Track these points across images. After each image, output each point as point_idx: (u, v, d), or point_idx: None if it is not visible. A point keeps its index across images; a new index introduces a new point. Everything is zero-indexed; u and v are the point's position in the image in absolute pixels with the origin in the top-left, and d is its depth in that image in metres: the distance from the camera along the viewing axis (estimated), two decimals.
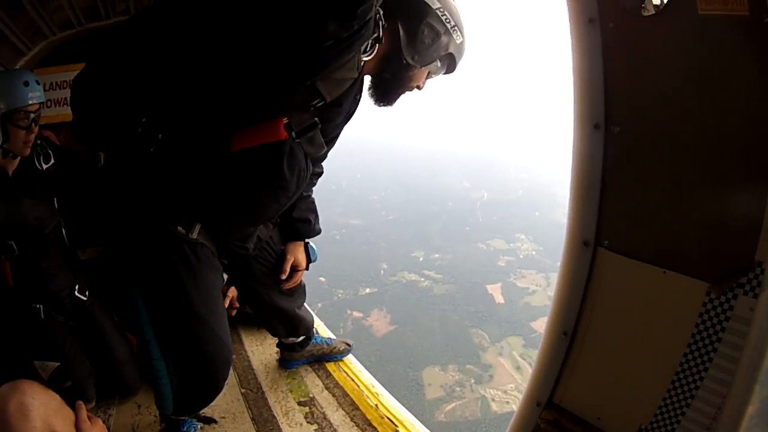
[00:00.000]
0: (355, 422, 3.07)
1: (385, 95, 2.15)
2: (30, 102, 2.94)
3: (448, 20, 2.06)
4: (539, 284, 54.42)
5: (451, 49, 2.11)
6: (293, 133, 1.88)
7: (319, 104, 1.89)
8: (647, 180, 1.65)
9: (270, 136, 1.82)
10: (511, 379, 42.46)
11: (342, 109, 2.12)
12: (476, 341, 46.88)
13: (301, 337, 3.32)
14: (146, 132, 1.78)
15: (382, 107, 2.19)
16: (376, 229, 68.59)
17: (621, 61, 1.65)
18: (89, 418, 1.67)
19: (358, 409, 3.17)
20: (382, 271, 59.65)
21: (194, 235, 2.02)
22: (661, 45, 1.52)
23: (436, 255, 61.91)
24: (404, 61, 2.04)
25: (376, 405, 3.16)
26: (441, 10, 2.04)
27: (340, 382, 3.41)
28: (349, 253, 61.05)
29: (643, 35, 1.56)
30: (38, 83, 3.02)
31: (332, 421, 3.09)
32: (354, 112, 2.32)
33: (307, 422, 3.09)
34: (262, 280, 2.73)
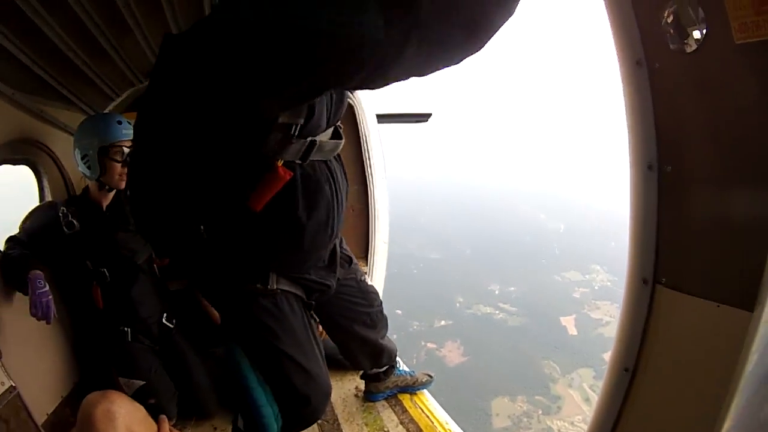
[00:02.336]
0: None
1: None
2: (123, 138, 3.21)
3: None
4: (613, 315, 52.62)
5: None
6: (298, 162, 1.90)
7: (298, 128, 1.82)
8: (700, 217, 1.64)
9: (277, 184, 1.84)
10: (579, 410, 41.35)
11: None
12: (547, 372, 45.90)
13: (385, 367, 3.34)
14: (192, 227, 1.95)
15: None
16: (454, 262, 68.20)
17: (669, 100, 1.66)
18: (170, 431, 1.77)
19: None
20: (457, 304, 59.41)
21: (273, 286, 2.10)
22: (705, 80, 1.52)
23: (512, 288, 60.98)
24: None
25: None
26: None
27: (415, 418, 3.42)
28: (426, 287, 60.94)
29: (688, 72, 1.56)
30: (129, 124, 3.26)
31: None
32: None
33: None
34: (345, 313, 2.78)
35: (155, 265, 3.67)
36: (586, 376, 44.24)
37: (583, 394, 42.78)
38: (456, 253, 71.97)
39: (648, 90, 1.68)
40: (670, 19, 1.54)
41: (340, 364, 3.80)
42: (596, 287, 57.34)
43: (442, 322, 56.02)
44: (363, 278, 2.93)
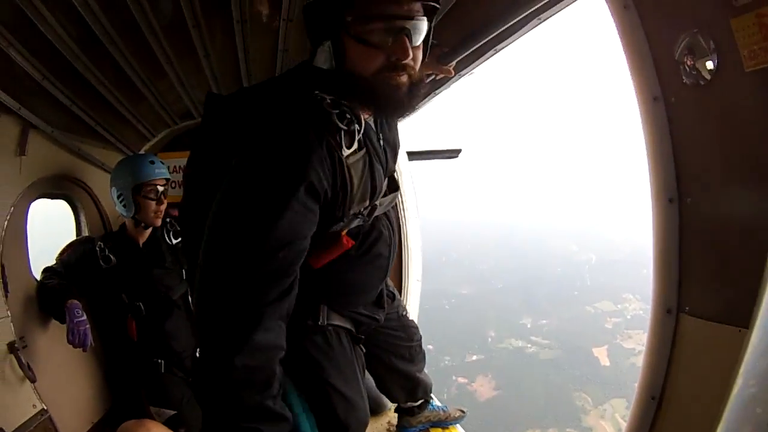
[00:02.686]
0: None
1: (384, 109, 1.80)
2: (156, 176, 3.31)
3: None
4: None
5: (340, 9, 1.62)
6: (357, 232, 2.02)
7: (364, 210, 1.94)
8: (720, 246, 1.65)
9: (339, 251, 1.93)
10: None
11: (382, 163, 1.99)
12: (578, 404, 45.00)
13: (420, 401, 3.31)
14: None
15: (408, 114, 1.86)
16: (485, 297, 67.48)
17: (687, 133, 1.68)
18: None
19: None
20: (489, 339, 58.49)
21: (324, 322, 2.16)
22: (720, 110, 1.54)
23: (544, 321, 60.06)
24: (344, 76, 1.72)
25: None
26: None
27: None
28: (458, 321, 60.28)
29: (703, 104, 1.58)
30: (162, 163, 3.38)
31: None
32: (394, 141, 2.15)
33: None
34: (385, 346, 2.80)
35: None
36: (618, 406, 43.29)
37: (615, 424, 41.88)
38: (488, 287, 71.19)
39: (666, 125, 1.71)
40: (683, 53, 1.57)
41: (373, 401, 3.80)
42: (628, 316, 56.09)
43: (474, 357, 55.26)
44: (405, 313, 2.98)
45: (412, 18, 1.59)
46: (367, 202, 1.94)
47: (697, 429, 1.75)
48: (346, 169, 1.73)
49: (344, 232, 1.93)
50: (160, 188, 3.38)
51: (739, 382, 1.25)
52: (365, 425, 2.43)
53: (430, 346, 53.54)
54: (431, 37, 1.76)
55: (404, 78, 1.66)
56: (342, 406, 2.24)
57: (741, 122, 1.49)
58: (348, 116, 1.71)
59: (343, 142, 1.71)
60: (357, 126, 1.75)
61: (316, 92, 1.69)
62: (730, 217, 1.61)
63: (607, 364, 49.67)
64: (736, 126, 1.51)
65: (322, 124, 1.65)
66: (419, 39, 1.67)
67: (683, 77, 1.57)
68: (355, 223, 1.94)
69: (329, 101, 1.69)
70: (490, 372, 51.60)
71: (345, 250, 1.95)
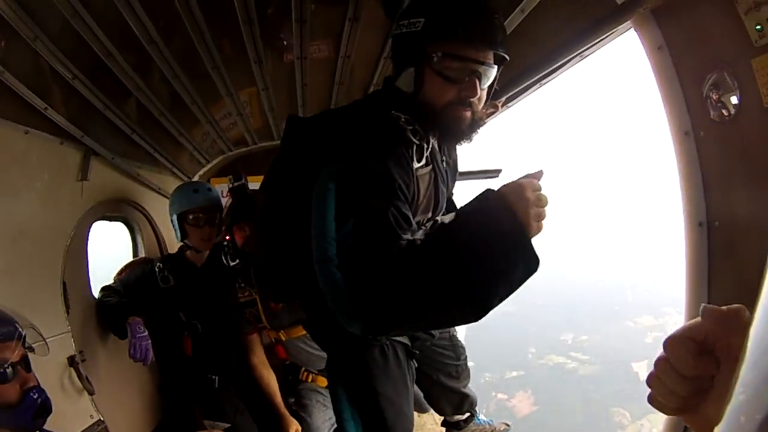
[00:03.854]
0: None
1: (450, 136, 2.00)
2: (197, 204, 3.42)
3: (402, 26, 1.87)
4: None
5: (422, 40, 1.80)
6: None
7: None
8: (746, 264, 1.72)
9: None
10: None
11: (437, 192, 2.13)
12: (616, 420, 43.86)
13: (466, 414, 3.36)
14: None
15: (465, 142, 2.04)
16: (527, 314, 66.09)
17: (714, 163, 1.78)
18: None
19: None
20: (530, 355, 57.40)
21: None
22: (743, 143, 1.63)
23: (584, 337, 58.64)
24: (418, 104, 1.89)
25: None
26: (395, 25, 1.93)
27: None
28: (499, 339, 58.70)
29: (727, 137, 1.68)
30: (209, 190, 3.51)
31: None
32: (455, 164, 2.40)
33: None
34: (434, 364, 2.90)
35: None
36: (656, 421, 41.83)
37: None
38: (529, 305, 70.07)
39: (696, 156, 1.81)
40: (710, 90, 1.66)
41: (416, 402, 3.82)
42: (669, 330, 54.18)
43: (514, 373, 54.09)
44: (455, 333, 3.11)
45: (484, 63, 1.80)
46: (430, 214, 2.13)
47: None
48: (415, 178, 1.91)
49: None
50: (204, 215, 3.49)
51: (733, 390, 1.30)
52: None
53: (471, 363, 52.20)
54: (496, 82, 1.94)
55: (468, 113, 1.88)
56: (391, 412, 2.30)
57: (763, 153, 1.57)
58: (420, 134, 1.91)
59: (414, 156, 1.91)
60: (426, 144, 1.95)
61: (393, 112, 1.88)
62: (756, 239, 1.67)
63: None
64: (758, 157, 1.58)
65: (399, 138, 1.85)
66: (487, 83, 1.88)
67: (711, 112, 1.67)
68: (419, 234, 1.99)
69: (404, 120, 1.87)
70: (530, 388, 50.49)
71: None
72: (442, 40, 1.78)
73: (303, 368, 3.61)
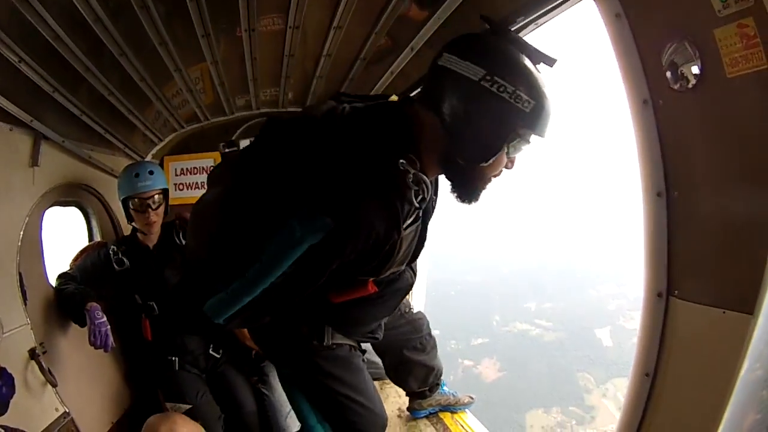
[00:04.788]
0: None
1: (464, 196, 1.84)
2: (139, 191, 3.35)
3: (502, 87, 1.55)
4: None
5: (521, 122, 1.61)
6: (384, 280, 2.07)
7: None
8: (705, 235, 1.77)
9: (363, 293, 2.00)
10: (613, 419, 40.21)
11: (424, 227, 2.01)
12: (581, 384, 45.19)
13: (431, 385, 3.44)
14: None
15: (468, 204, 1.86)
16: (492, 283, 67.03)
17: (673, 133, 1.80)
18: None
19: None
20: (494, 323, 58.45)
21: (329, 342, 2.22)
22: (704, 113, 1.66)
23: (548, 304, 59.84)
24: (461, 163, 1.74)
25: None
26: (488, 77, 1.55)
27: None
28: (464, 307, 60.03)
29: (688, 107, 1.70)
30: (151, 173, 3.42)
31: None
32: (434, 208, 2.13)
33: None
34: (395, 343, 2.97)
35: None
36: (621, 385, 43.38)
37: (617, 403, 41.99)
38: (494, 274, 70.83)
39: (654, 125, 1.83)
40: (669, 59, 1.68)
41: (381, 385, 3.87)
42: (631, 297, 55.95)
43: (479, 340, 55.27)
44: (408, 309, 3.12)
45: None
46: (404, 265, 2.08)
47: (689, 402, 1.87)
48: (399, 242, 1.79)
49: (372, 280, 1.99)
50: (148, 201, 3.42)
51: (745, 365, 1.36)
52: (383, 428, 2.53)
53: (436, 331, 52.56)
54: None
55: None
56: (357, 414, 2.35)
57: (724, 124, 1.60)
58: (421, 195, 1.72)
59: (408, 217, 1.76)
60: (424, 200, 1.75)
61: (402, 161, 1.65)
62: (713, 209, 1.72)
63: (610, 345, 49.71)
64: (719, 128, 1.62)
65: (401, 200, 1.67)
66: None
67: (670, 82, 1.68)
68: (386, 274, 2.00)
69: (412, 177, 1.67)
70: (495, 354, 51.63)
71: (366, 295, 2.02)
72: (534, 128, 1.63)
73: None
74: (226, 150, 3.50)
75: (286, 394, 2.60)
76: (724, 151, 1.63)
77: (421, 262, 2.38)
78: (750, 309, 1.50)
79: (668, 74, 1.68)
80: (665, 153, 1.83)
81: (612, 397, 43.05)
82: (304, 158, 1.74)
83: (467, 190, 1.82)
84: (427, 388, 3.42)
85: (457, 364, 50.82)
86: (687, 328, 1.87)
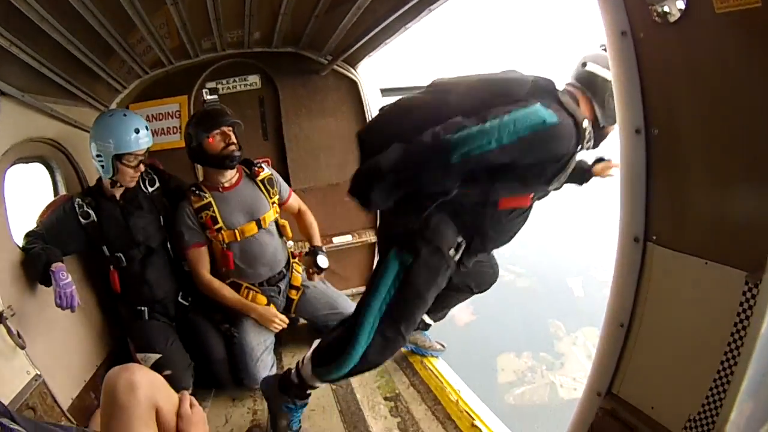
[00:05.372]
0: (435, 416, 3.22)
1: (595, 145, 2.63)
2: (140, 148, 3.30)
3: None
4: None
5: None
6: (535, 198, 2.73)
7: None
8: (687, 177, 1.69)
9: (523, 203, 2.68)
10: (581, 367, 41.20)
11: None
12: (552, 331, 45.97)
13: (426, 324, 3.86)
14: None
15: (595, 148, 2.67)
16: None
17: (654, 67, 1.70)
18: (191, 405, 1.85)
19: (439, 403, 3.32)
20: None
21: (456, 258, 2.65)
22: (688, 49, 1.56)
23: (522, 251, 60.63)
24: (602, 125, 2.55)
25: (457, 400, 3.27)
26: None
27: (425, 380, 3.57)
28: None
29: (671, 42, 1.60)
30: (147, 129, 3.35)
31: (414, 414, 3.26)
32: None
33: (391, 415, 3.27)
34: (470, 277, 3.42)
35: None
36: (590, 334, 44.25)
37: (586, 351, 42.97)
38: None
39: (633, 59, 1.72)
40: None
41: None
42: (605, 248, 56.52)
43: None
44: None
45: None
46: (549, 191, 2.88)
47: (665, 357, 1.83)
48: (568, 162, 2.56)
49: (531, 195, 2.75)
50: (141, 157, 3.38)
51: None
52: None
53: None
54: None
55: None
56: (419, 295, 2.62)
57: (711, 61, 1.51)
58: (581, 143, 2.59)
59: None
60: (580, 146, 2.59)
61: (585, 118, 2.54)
62: (696, 149, 1.65)
63: (581, 294, 50.70)
64: (706, 65, 1.53)
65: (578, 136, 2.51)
66: None
67: (653, 15, 1.57)
68: (547, 191, 2.84)
69: (586, 125, 2.55)
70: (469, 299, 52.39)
71: (523, 206, 2.76)
72: None
73: (244, 285, 3.81)
74: (209, 97, 3.48)
75: (383, 255, 2.71)
76: (709, 90, 1.55)
77: None
78: (741, 264, 1.47)
79: (651, 5, 1.57)
80: (645, 87, 1.73)
81: (582, 345, 43.83)
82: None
83: (597, 142, 2.63)
84: (421, 325, 3.68)
85: None
86: (665, 277, 1.80)
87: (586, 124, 2.44)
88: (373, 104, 5.08)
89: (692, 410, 1.66)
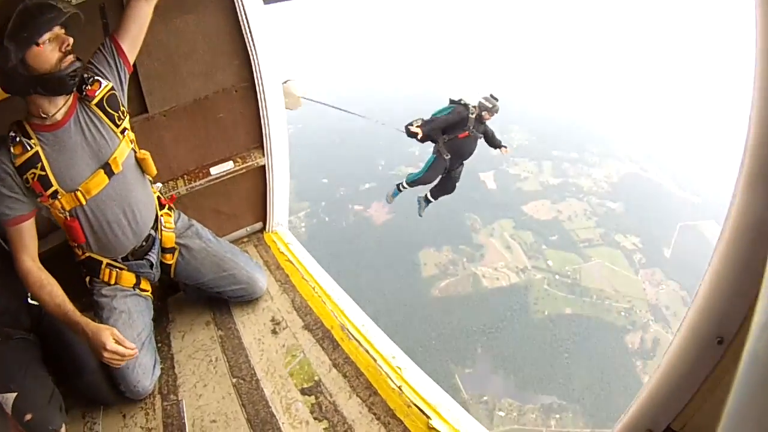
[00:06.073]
0: (374, 413, 2.37)
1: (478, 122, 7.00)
2: None
3: None
4: (531, 171, 56.79)
5: None
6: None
7: None
8: None
9: (465, 135, 7.15)
10: (501, 257, 45.21)
11: None
12: (469, 224, 49.04)
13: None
14: None
15: None
16: (374, 130, 67.91)
17: None
18: None
19: (376, 393, 2.46)
20: (380, 167, 60.94)
21: (448, 158, 7.32)
22: None
23: (432, 147, 61.77)
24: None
25: (400, 387, 2.43)
26: None
27: (351, 356, 2.70)
28: (350, 154, 62.36)
29: None
30: None
31: (345, 414, 2.41)
32: None
33: (315, 418, 2.41)
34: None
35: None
36: (507, 226, 47.44)
37: (503, 242, 46.05)
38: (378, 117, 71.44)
39: None
40: None
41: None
42: (514, 145, 58.85)
43: (367, 185, 57.67)
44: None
45: None
46: None
47: None
48: None
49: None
50: None
51: None
52: None
53: (324, 180, 58.21)
54: None
55: None
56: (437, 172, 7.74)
57: None
58: None
59: None
60: None
61: None
62: None
63: (494, 188, 53.05)
64: None
65: None
66: None
67: None
68: None
69: None
70: (384, 198, 53.82)
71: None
72: None
73: (104, 263, 2.82)
74: (104, 20, 2.92)
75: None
76: None
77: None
78: None
79: None
80: None
81: (499, 236, 47.04)
82: None
83: None
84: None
85: (348, 209, 53.74)
86: None
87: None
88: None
89: None
